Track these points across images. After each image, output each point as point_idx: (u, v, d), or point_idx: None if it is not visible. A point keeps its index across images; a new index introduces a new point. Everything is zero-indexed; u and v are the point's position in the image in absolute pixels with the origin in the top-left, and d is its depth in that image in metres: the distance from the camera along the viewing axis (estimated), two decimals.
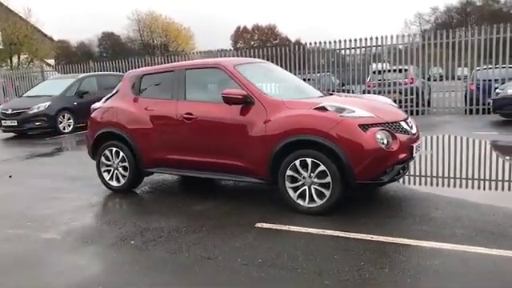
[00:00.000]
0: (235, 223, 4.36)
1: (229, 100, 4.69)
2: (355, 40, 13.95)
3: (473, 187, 5.49)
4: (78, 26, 71.81)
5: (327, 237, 3.90)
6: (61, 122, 12.58)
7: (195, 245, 3.85)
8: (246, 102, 4.70)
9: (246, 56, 15.27)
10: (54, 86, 13.67)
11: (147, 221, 4.57)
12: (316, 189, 4.40)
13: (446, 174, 6.00)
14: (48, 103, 12.46)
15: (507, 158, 7.25)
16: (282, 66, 12.74)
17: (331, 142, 4.23)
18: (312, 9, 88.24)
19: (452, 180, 5.77)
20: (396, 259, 3.40)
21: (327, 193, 4.34)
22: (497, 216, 4.20)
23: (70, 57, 51.87)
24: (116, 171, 5.71)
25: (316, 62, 14.53)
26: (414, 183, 5.68)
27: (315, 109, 4.44)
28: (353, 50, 14.22)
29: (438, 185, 5.59)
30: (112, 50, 59.75)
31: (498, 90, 10.24)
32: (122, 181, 5.68)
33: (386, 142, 4.27)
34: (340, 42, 14.20)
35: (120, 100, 5.70)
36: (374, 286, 2.97)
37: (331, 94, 5.54)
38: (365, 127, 4.25)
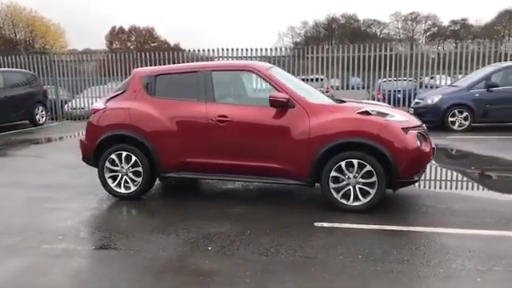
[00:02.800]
0: (293, 224, 4.44)
1: (274, 103, 4.76)
2: (237, 49, 14.92)
3: (462, 185, 6.30)
4: None
5: (392, 232, 4.22)
6: None
7: (280, 246, 3.88)
8: (286, 105, 4.81)
9: (123, 58, 15.60)
10: None
11: (197, 226, 4.40)
12: (360, 188, 4.70)
13: (438, 176, 6.72)
14: None
15: (471, 159, 8.36)
16: None
17: (380, 143, 4.58)
18: (189, 13, 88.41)
19: (444, 179, 6.52)
20: (473, 247, 3.81)
21: (372, 191, 4.67)
22: (509, 207, 4.92)
23: None
24: (125, 177, 5.31)
25: None
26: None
27: (359, 113, 4.75)
28: (231, 59, 15.04)
29: (436, 184, 6.27)
30: None
31: (417, 100, 11.63)
32: (133, 187, 5.31)
33: (420, 143, 4.76)
34: (218, 50, 15.03)
35: (131, 100, 5.31)
36: (475, 273, 3.35)
37: (343, 101, 5.76)
38: (405, 130, 4.69)
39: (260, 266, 3.50)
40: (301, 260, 3.60)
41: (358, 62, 14.18)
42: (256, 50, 14.77)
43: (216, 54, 15.04)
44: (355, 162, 4.66)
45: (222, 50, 15.03)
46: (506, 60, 13.07)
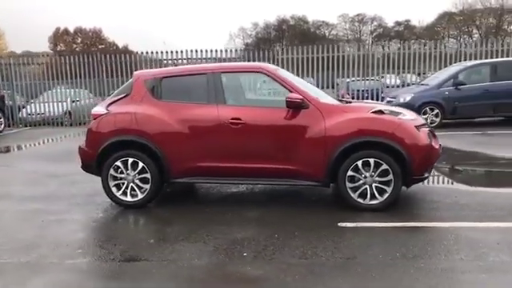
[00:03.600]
0: (318, 225, 4.41)
1: (291, 104, 4.72)
2: (191, 51, 14.86)
3: (456, 179, 6.52)
4: None
5: (416, 228, 4.31)
6: None
7: (315, 248, 3.85)
8: (301, 106, 4.79)
9: (68, 61, 15.22)
10: None
11: (221, 232, 4.28)
12: (377, 186, 4.75)
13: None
14: None
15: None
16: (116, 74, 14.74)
17: (396, 142, 4.65)
18: (137, 13, 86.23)
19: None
20: (499, 239, 3.95)
21: (388, 189, 4.74)
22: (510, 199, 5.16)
23: None
24: (131, 184, 5.08)
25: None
26: None
27: (373, 112, 4.81)
28: (184, 61, 15.02)
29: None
30: None
31: (388, 99, 11.93)
32: (140, 195, 5.09)
33: (430, 140, 4.88)
34: (172, 52, 14.91)
35: (136, 104, 5.09)
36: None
37: (349, 102, 5.79)
38: (418, 128, 4.80)
39: (305, 269, 3.45)
40: (342, 261, 3.59)
41: (312, 62, 14.54)
42: (211, 51, 14.73)
43: (170, 57, 14.87)
44: (372, 160, 4.71)
45: (176, 52, 14.83)
46: (446, 59, 13.92)
